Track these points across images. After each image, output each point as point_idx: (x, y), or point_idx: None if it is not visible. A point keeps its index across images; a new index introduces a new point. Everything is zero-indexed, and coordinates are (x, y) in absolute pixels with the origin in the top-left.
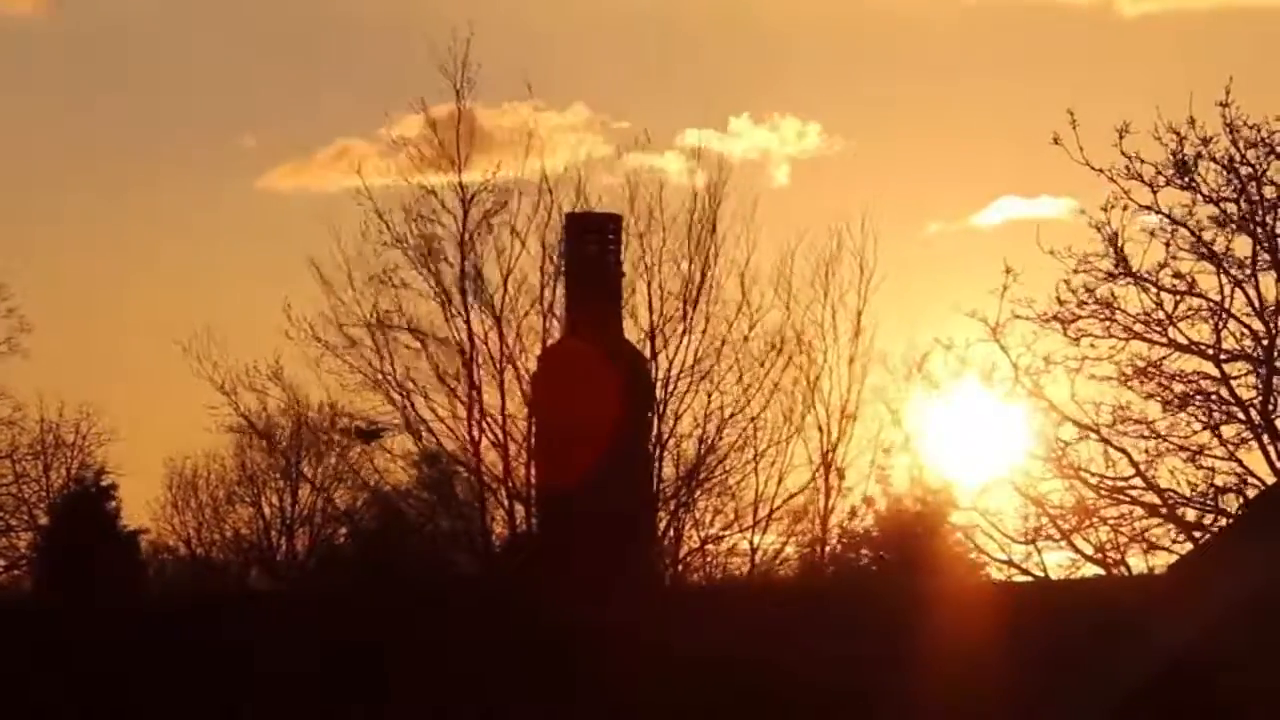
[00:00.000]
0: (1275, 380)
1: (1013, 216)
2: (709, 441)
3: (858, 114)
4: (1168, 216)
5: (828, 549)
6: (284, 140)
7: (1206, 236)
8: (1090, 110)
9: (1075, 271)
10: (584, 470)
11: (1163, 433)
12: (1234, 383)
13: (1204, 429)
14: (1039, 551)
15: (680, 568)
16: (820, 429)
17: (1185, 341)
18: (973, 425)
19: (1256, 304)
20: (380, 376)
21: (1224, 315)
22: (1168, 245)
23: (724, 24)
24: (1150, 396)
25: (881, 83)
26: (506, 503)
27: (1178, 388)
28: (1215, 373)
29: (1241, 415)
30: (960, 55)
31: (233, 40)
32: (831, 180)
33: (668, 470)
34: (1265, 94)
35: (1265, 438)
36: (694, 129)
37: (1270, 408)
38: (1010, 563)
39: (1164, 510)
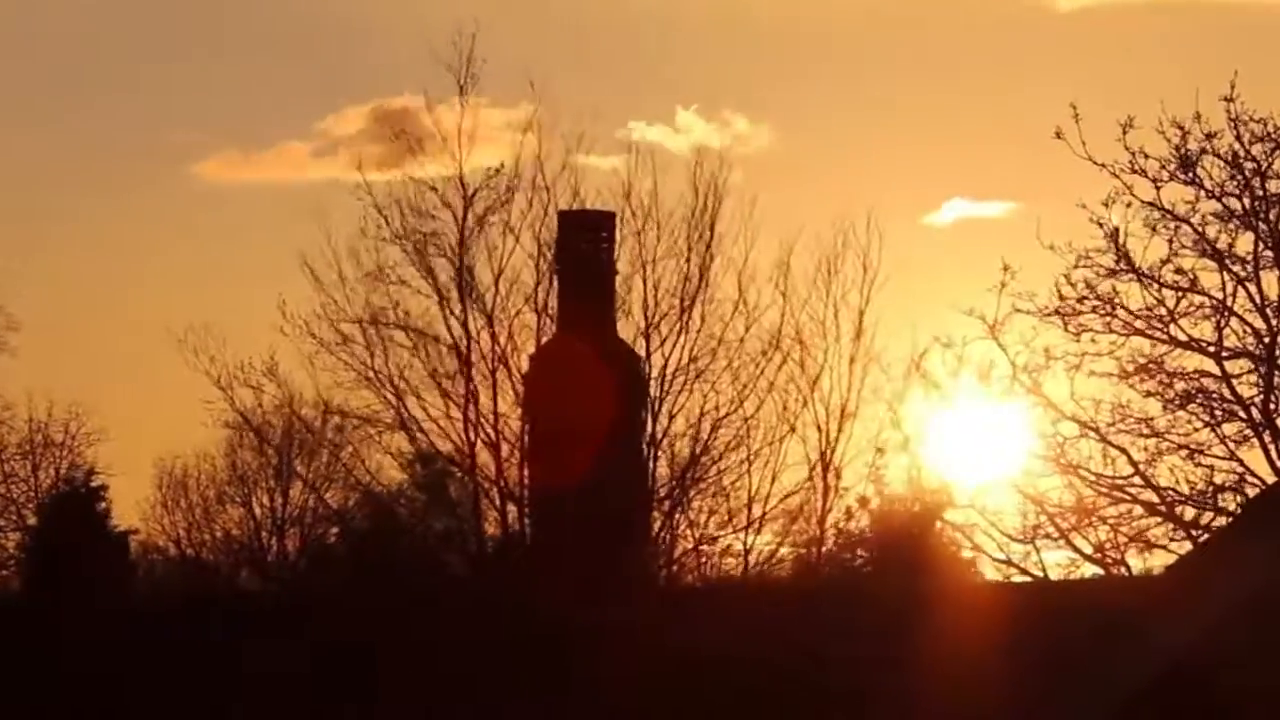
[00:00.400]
0: (1277, 378)
1: (964, 216)
2: (703, 441)
3: (807, 112)
4: (1170, 213)
5: (824, 549)
6: (270, 133)
7: (1209, 233)
8: (1031, 108)
9: (1075, 267)
10: (577, 470)
11: (1162, 431)
12: (1235, 381)
13: (1204, 427)
14: (1038, 551)
15: (674, 568)
16: (819, 429)
17: (1186, 338)
18: (971, 424)
19: (1259, 301)
20: (373, 374)
21: (1226, 312)
22: (1170, 241)
23: (673, 20)
24: (1150, 395)
25: (832, 82)
26: (499, 503)
27: (1179, 385)
28: (1216, 370)
29: (1242, 413)
30: (912, 55)
31: (222, 33)
32: (780, 178)
33: (661, 470)
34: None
35: (1266, 436)
36: (640, 121)
37: (1271, 406)
38: (1009, 562)
39: (1163, 509)
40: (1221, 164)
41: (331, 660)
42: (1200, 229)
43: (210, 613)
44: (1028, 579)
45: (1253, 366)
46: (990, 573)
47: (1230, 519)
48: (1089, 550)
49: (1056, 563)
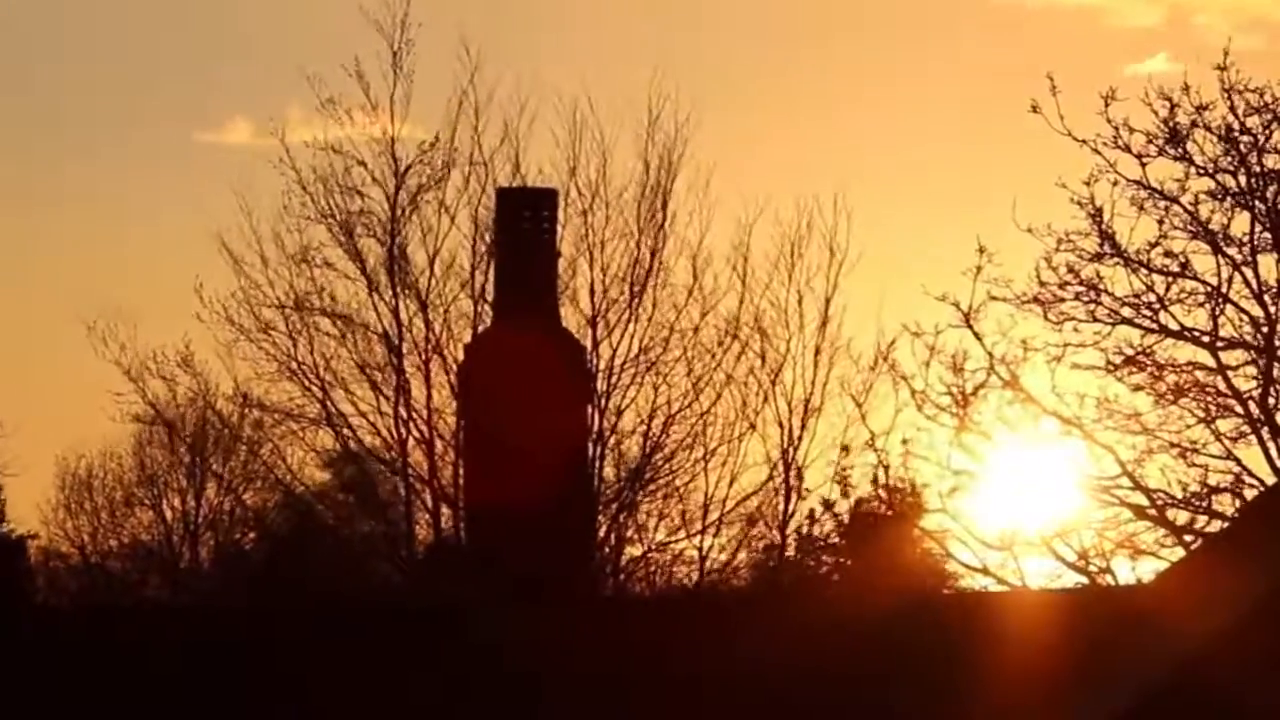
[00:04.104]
0: (1276, 370)
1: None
2: (655, 439)
3: (770, 83)
4: (1158, 192)
5: (786, 555)
6: (199, 98)
7: (1202, 213)
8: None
9: (1057, 250)
10: (516, 470)
11: (1152, 427)
12: (1231, 373)
13: (1198, 423)
14: (1016, 558)
15: (622, 577)
16: (781, 425)
17: (1178, 327)
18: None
19: (1256, 287)
20: (296, 365)
21: (1221, 299)
22: (1160, 223)
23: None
24: (1139, 388)
25: (799, 51)
26: (432, 505)
27: (1170, 378)
28: (1211, 362)
29: (1239, 408)
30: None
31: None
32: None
33: (608, 471)
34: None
35: (1265, 433)
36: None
37: (1270, 400)
38: (985, 570)
39: (1153, 512)
40: (1214, 138)
41: (244, 672)
42: (1192, 209)
43: (115, 623)
44: (1006, 587)
45: (1250, 357)
46: (965, 581)
47: (1226, 523)
48: (1072, 557)
49: (1037, 571)
